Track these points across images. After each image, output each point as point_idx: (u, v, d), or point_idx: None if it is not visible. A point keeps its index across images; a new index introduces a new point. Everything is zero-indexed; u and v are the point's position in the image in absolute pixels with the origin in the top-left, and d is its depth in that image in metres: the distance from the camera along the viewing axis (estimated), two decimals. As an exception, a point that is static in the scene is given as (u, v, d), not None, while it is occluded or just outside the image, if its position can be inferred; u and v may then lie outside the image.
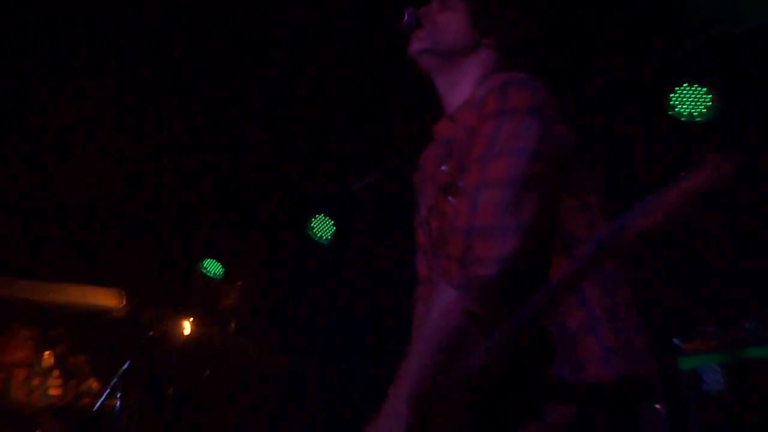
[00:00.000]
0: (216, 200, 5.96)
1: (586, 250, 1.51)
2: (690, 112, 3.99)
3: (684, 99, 4.00)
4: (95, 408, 5.10)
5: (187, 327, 6.37)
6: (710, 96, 3.95)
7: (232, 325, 6.48)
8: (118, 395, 4.95)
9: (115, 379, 4.95)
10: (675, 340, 3.42)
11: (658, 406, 3.47)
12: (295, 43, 4.15)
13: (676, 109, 4.02)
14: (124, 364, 4.94)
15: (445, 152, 2.04)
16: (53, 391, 6.56)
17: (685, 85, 3.99)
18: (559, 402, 1.76)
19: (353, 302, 5.80)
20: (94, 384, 6.40)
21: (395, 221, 5.28)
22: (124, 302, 7.00)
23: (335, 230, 5.58)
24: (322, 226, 5.60)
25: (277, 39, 4.13)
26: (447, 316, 1.78)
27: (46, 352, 6.69)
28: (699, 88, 3.97)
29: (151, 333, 6.08)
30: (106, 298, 6.98)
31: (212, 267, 6.28)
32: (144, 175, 5.62)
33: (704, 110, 3.96)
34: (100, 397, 5.08)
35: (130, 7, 3.97)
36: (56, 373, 6.63)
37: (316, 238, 5.61)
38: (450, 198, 1.97)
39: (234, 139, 5.10)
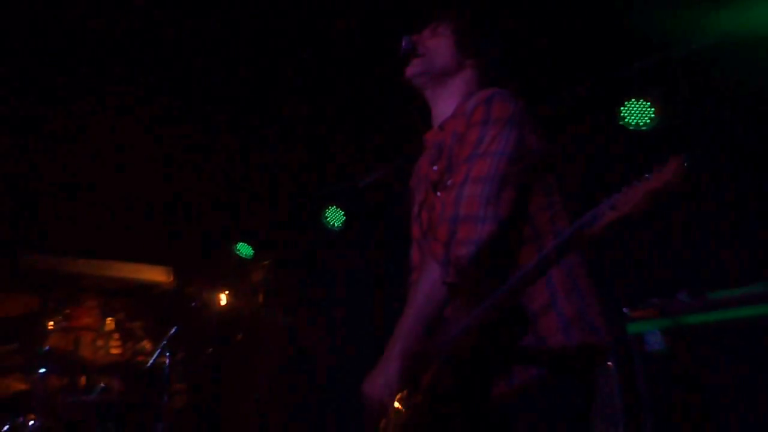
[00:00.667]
0: (247, 194, 5.95)
1: (562, 237, 1.52)
2: (637, 122, 3.98)
3: (632, 111, 3.99)
4: (148, 364, 5.09)
5: (223, 299, 6.39)
6: (653, 109, 3.94)
7: (260, 297, 6.49)
8: (167, 354, 4.91)
9: (164, 341, 4.93)
10: (624, 310, 3.40)
11: (609, 363, 3.49)
12: (316, 59, 4.07)
13: (626, 120, 4.01)
14: (171, 329, 4.93)
15: (435, 155, 2.02)
16: (114, 351, 6.59)
17: (632, 100, 3.99)
18: (526, 365, 1.76)
19: (359, 279, 5.76)
20: (147, 345, 6.43)
21: (396, 213, 5.28)
22: (172, 278, 7.09)
23: (345, 219, 5.58)
24: (334, 216, 5.58)
25: (298, 53, 4.04)
26: (433, 287, 1.79)
27: (108, 319, 6.73)
28: (644, 103, 3.96)
29: (193, 303, 6.10)
30: (157, 275, 7.06)
31: (244, 249, 6.29)
32: (189, 176, 5.58)
33: (648, 121, 3.96)
34: (152, 355, 5.07)
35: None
36: (116, 335, 6.66)
37: (329, 226, 5.59)
38: (438, 194, 1.96)
39: (264, 144, 5.09)
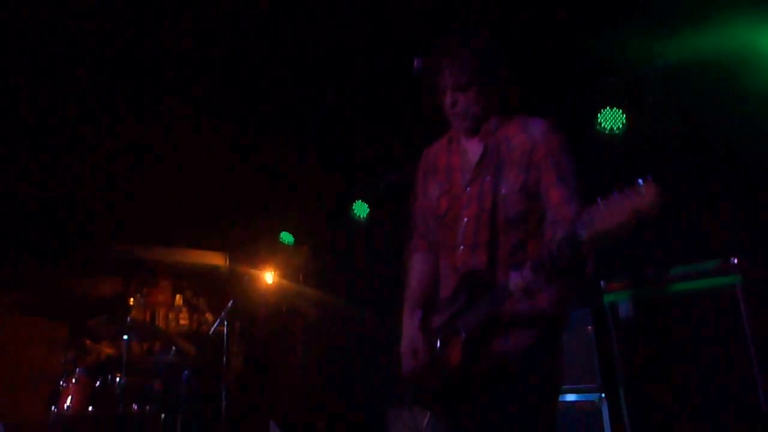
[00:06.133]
0: (289, 192, 5.97)
1: (557, 245, 1.58)
2: (611, 127, 3.96)
3: (607, 118, 3.98)
4: (210, 332, 5.14)
5: (269, 278, 6.48)
6: (625, 116, 3.94)
7: (300, 276, 6.57)
8: (225, 324, 4.94)
9: (223, 314, 4.94)
10: (601, 283, 3.43)
11: (589, 327, 3.45)
12: (350, 77, 4.02)
13: (602, 125, 3.99)
14: (229, 304, 4.95)
15: (480, 156, 2.00)
16: (183, 322, 6.72)
17: (607, 108, 3.98)
18: (519, 332, 1.85)
19: (381, 261, 5.73)
20: (209, 317, 6.55)
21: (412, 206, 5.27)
22: (228, 262, 7.16)
23: (369, 212, 5.61)
24: (360, 209, 5.61)
25: (332, 70, 3.95)
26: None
27: (178, 296, 6.85)
28: (617, 110, 3.95)
29: (246, 281, 6.21)
30: (217, 260, 7.16)
31: (286, 237, 6.33)
32: (241, 180, 5.65)
33: (621, 126, 3.95)
34: (213, 325, 5.10)
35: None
36: (184, 309, 6.78)
37: (356, 218, 5.62)
38: (468, 189, 1.98)
39: (302, 149, 5.10)
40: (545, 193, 1.90)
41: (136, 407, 4.49)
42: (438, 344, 1.94)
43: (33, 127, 4.54)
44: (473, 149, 2.05)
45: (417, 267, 2.20)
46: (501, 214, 1.90)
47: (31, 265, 6.04)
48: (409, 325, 2.07)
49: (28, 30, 3.51)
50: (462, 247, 1.96)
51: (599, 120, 4.02)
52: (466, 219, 1.97)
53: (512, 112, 2.06)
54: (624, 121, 3.95)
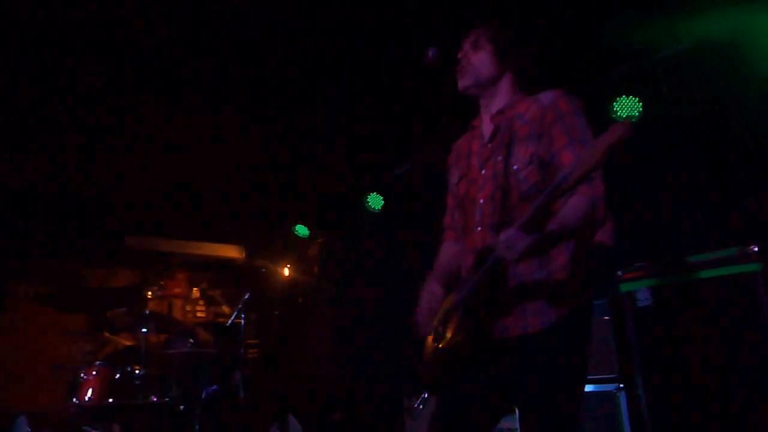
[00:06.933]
0: (304, 185, 6.01)
1: (547, 191, 1.61)
2: (627, 114, 3.91)
3: (623, 106, 3.93)
4: (227, 324, 5.20)
5: (286, 271, 6.49)
6: (641, 104, 3.89)
7: (315, 268, 6.59)
8: (242, 316, 5.01)
9: (239, 305, 5.01)
10: (618, 272, 3.39)
11: (606, 317, 3.42)
12: (359, 71, 4.04)
13: (618, 113, 3.93)
14: (245, 295, 5.00)
15: (490, 135, 2.01)
16: (199, 314, 6.79)
17: (623, 96, 3.93)
18: (537, 317, 1.81)
19: (395, 252, 5.78)
20: (225, 309, 6.60)
21: (425, 197, 5.29)
22: (244, 254, 7.18)
23: (384, 203, 5.62)
24: (375, 200, 5.62)
25: (348, 62, 3.97)
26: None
27: (194, 288, 6.92)
28: (633, 98, 3.90)
29: (262, 273, 6.25)
30: (232, 252, 7.17)
31: (301, 230, 6.34)
32: (257, 173, 5.68)
33: (637, 113, 3.90)
34: (230, 317, 5.15)
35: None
36: (201, 302, 6.84)
37: (371, 209, 5.64)
38: (483, 171, 1.98)
39: (317, 142, 5.12)
40: (558, 158, 1.84)
41: (155, 398, 4.54)
42: (439, 321, 1.94)
43: (49, 119, 4.59)
44: (487, 132, 2.05)
45: (443, 251, 2.21)
46: (514, 191, 1.86)
47: (49, 256, 6.12)
48: (422, 297, 2.06)
49: (46, 25, 3.53)
50: (479, 228, 1.95)
51: (615, 108, 3.97)
52: (482, 200, 1.95)
53: (528, 92, 2.05)
54: (640, 109, 3.90)
